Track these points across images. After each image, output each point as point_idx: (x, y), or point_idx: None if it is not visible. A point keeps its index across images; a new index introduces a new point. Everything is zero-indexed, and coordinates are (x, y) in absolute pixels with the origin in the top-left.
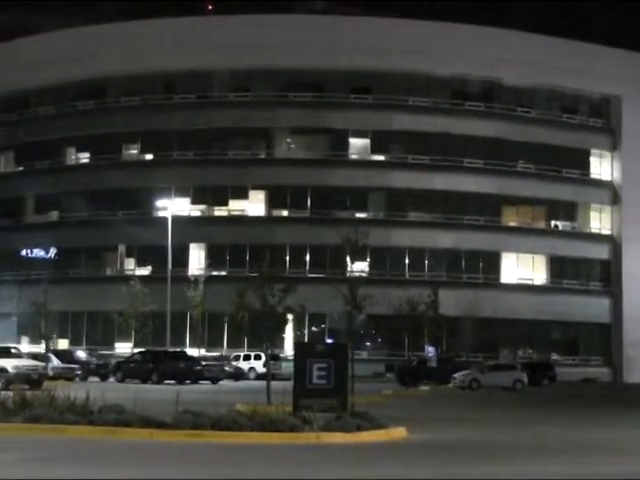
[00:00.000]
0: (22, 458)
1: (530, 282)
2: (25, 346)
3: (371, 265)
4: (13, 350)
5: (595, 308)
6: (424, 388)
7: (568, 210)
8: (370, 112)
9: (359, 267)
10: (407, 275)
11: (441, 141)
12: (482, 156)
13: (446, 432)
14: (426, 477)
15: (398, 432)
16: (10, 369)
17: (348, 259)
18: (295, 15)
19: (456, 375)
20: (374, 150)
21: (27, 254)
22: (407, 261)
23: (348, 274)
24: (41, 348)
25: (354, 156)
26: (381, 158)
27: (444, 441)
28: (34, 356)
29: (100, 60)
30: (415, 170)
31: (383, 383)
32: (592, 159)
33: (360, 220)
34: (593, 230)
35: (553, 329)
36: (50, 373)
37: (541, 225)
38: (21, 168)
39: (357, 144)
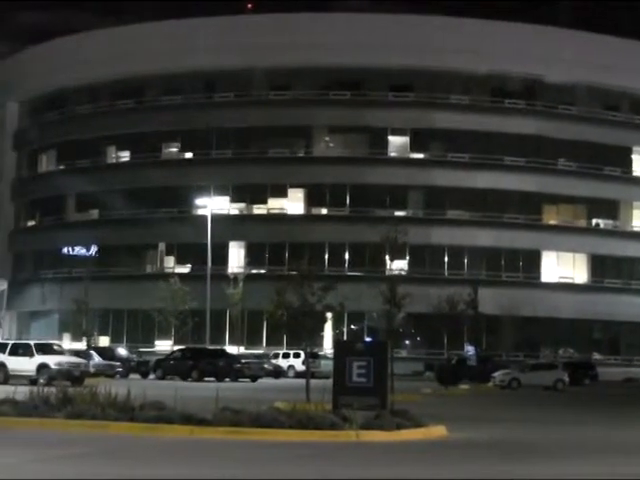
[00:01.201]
0: (65, 454)
1: (571, 281)
2: (67, 343)
3: (410, 263)
4: (55, 347)
5: (637, 307)
6: (463, 387)
7: (609, 208)
8: (410, 110)
9: (398, 265)
10: (446, 273)
11: (481, 139)
12: (523, 154)
13: (486, 431)
14: (467, 477)
15: (438, 431)
16: (52, 365)
17: (387, 257)
18: (334, 13)
19: (496, 374)
20: (413, 148)
21: (69, 252)
22: (446, 259)
23: (387, 272)
24: (82, 345)
25: (393, 154)
26: (420, 156)
27: (484, 440)
28: (76, 353)
29: (140, 59)
30: (455, 168)
31: (422, 382)
32: (634, 157)
33: (399, 218)
34: (635, 228)
35: (594, 328)
36: (91, 370)
37: (582, 223)
38: (62, 167)
39: (396, 142)
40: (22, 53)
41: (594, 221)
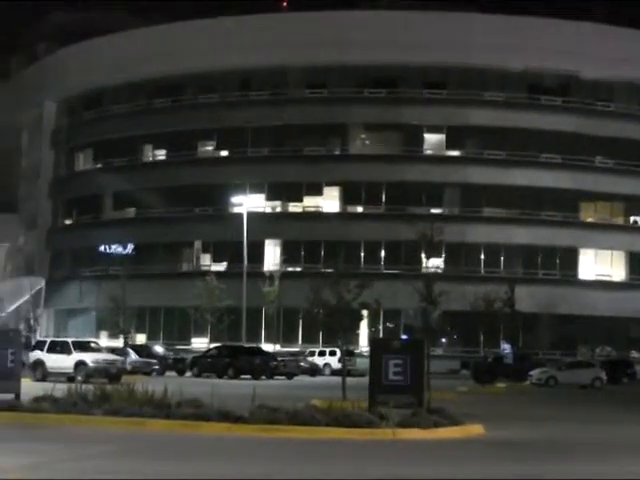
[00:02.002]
0: (103, 451)
1: (608, 278)
2: (104, 341)
3: (446, 261)
4: (93, 344)
5: None
6: (500, 385)
7: None
8: (445, 107)
9: (434, 263)
10: (483, 271)
11: (517, 136)
12: (559, 151)
13: (523, 430)
14: (504, 476)
15: (475, 429)
16: (90, 363)
17: (423, 255)
18: (369, 11)
19: (533, 372)
20: (449, 145)
21: (105, 250)
22: (483, 257)
23: (423, 270)
24: (119, 342)
25: (429, 152)
26: (456, 153)
27: (521, 439)
28: (113, 350)
29: (176, 58)
30: (491, 165)
31: (458, 380)
32: None
33: (435, 216)
34: None
35: (632, 326)
36: (128, 367)
37: (620, 221)
38: (99, 165)
39: (432, 139)
40: (59, 53)
41: (632, 218)
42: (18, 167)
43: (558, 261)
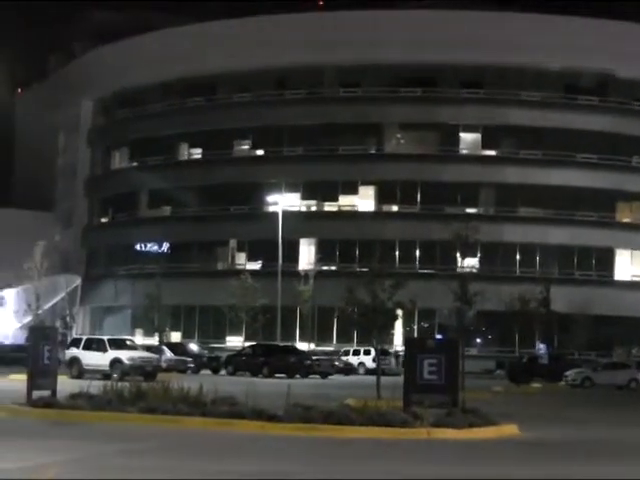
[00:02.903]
0: (139, 448)
1: None
2: (139, 338)
3: (482, 261)
4: (128, 342)
5: None
6: (535, 385)
7: None
8: (481, 107)
9: (469, 263)
10: (518, 271)
11: (554, 136)
12: (596, 151)
13: (558, 430)
14: (539, 477)
15: (509, 429)
16: (125, 361)
17: (458, 255)
18: (405, 10)
19: (568, 373)
20: (485, 145)
21: (141, 248)
22: (518, 257)
23: (458, 270)
24: (155, 340)
25: (465, 151)
26: (492, 153)
27: (557, 439)
28: (148, 348)
29: (211, 57)
30: (527, 165)
31: (493, 380)
32: None
33: (470, 215)
34: None
35: None
36: (163, 365)
37: None
38: (135, 164)
39: (468, 139)
40: (96, 52)
41: None
42: (55, 166)
43: (594, 261)
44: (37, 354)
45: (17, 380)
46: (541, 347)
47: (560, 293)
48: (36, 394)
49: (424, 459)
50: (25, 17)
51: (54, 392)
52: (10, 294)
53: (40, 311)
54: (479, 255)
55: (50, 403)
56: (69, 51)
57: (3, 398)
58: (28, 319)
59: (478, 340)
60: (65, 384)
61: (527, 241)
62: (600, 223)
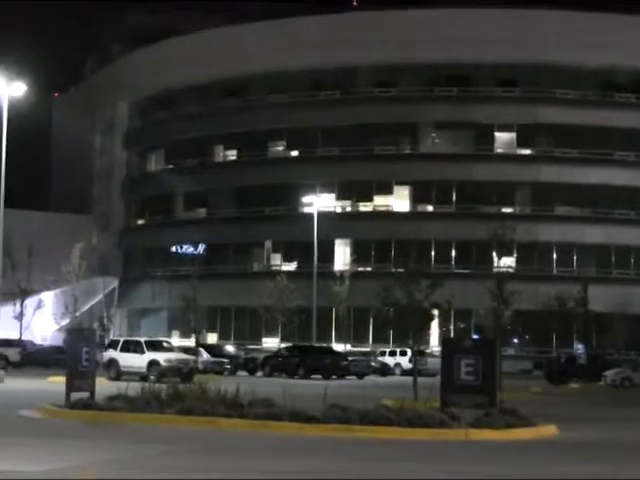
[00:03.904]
0: (177, 449)
1: None
2: (175, 340)
3: (518, 260)
4: (165, 344)
5: None
6: (573, 386)
7: None
8: (516, 105)
9: (506, 262)
10: (555, 271)
11: (590, 134)
12: (633, 149)
13: (598, 431)
14: (579, 477)
15: (548, 430)
16: (162, 362)
17: (494, 254)
18: (439, 9)
19: (607, 373)
20: (520, 144)
21: (177, 250)
22: (555, 256)
23: (495, 270)
24: (191, 342)
25: (500, 150)
26: (528, 152)
27: (596, 440)
28: (185, 350)
29: (246, 58)
30: (563, 164)
31: (531, 380)
32: None
33: (506, 215)
34: None
35: None
36: (200, 367)
37: None
38: (171, 166)
39: (503, 138)
40: (131, 54)
41: None
42: (92, 169)
43: (632, 260)
44: (75, 356)
45: (56, 382)
46: (579, 347)
47: (598, 292)
48: (75, 396)
49: (463, 460)
50: (61, 21)
51: (92, 394)
52: (48, 297)
53: (78, 313)
54: (515, 255)
55: (88, 405)
56: (105, 54)
57: (42, 400)
58: (66, 321)
59: (515, 340)
60: (103, 386)
61: (564, 240)
62: (638, 221)
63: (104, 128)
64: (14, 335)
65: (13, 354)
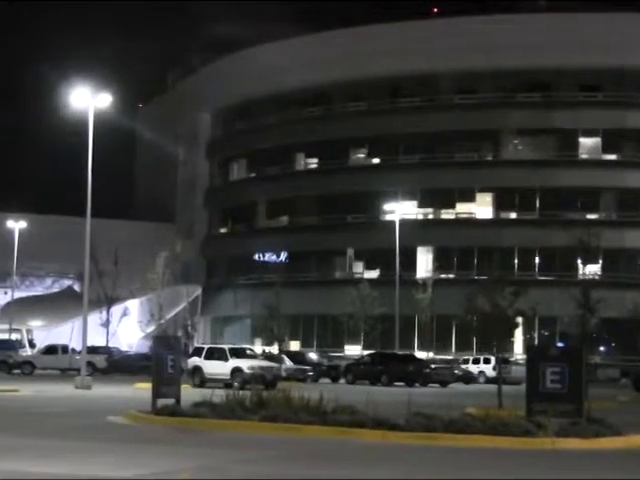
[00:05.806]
0: (262, 456)
1: None
2: (258, 347)
3: (604, 267)
4: (248, 351)
5: None
6: None
7: None
8: (601, 110)
9: (591, 269)
10: None
11: None
12: None
13: None
14: None
15: (638, 440)
16: (246, 369)
17: (579, 261)
18: (520, 15)
19: None
20: (605, 149)
21: (260, 258)
22: None
23: (580, 277)
24: (274, 349)
25: (584, 156)
26: (613, 157)
27: None
28: (268, 357)
29: (325, 66)
30: None
31: (618, 389)
32: None
33: (591, 221)
34: None
35: None
36: (283, 374)
37: None
38: (253, 175)
39: (587, 143)
40: (213, 65)
41: None
42: (175, 178)
43: None
44: (161, 363)
45: (142, 389)
46: None
47: None
48: (161, 402)
49: (549, 469)
50: (145, 34)
51: (178, 400)
52: (134, 304)
53: (162, 321)
54: (601, 261)
55: (174, 411)
56: (186, 65)
57: (129, 406)
58: (151, 329)
59: (601, 348)
60: (188, 392)
61: None
62: None
63: (186, 138)
64: (101, 342)
65: (100, 361)
